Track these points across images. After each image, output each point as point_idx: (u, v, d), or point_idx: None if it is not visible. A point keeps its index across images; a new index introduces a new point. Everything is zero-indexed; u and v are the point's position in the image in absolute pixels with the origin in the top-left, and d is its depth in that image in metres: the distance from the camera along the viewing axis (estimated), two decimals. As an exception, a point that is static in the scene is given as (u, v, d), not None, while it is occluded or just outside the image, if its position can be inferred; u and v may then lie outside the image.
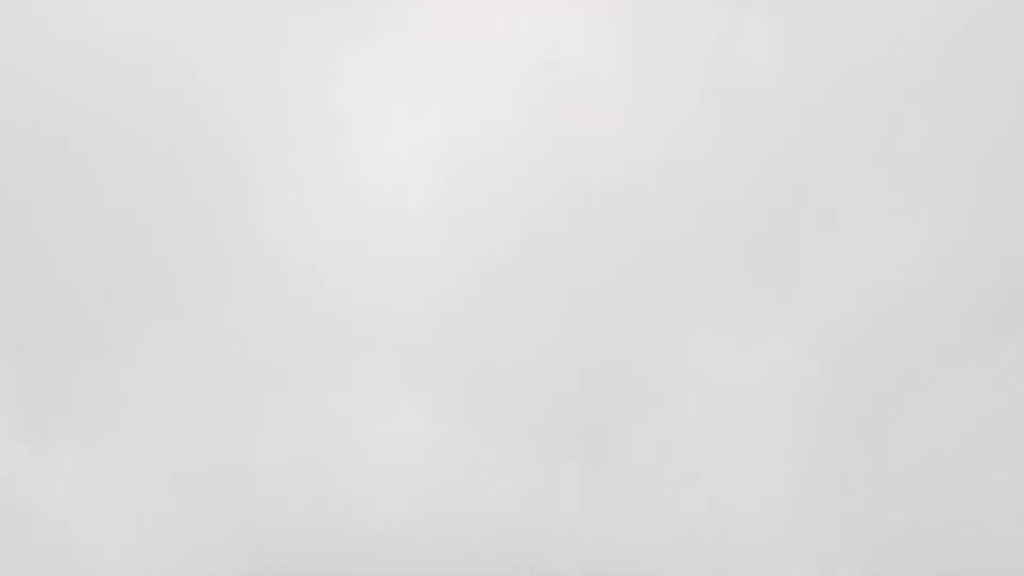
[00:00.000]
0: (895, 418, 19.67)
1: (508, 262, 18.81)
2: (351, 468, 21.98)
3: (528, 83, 18.27)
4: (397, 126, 19.02)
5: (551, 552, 20.75)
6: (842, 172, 18.54)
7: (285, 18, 19.85)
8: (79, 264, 19.36)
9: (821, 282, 19.76)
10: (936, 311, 19.56)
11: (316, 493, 22.20)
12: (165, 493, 22.79)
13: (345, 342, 20.36)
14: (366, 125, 18.93)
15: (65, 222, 19.35)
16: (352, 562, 21.55)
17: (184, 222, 18.84)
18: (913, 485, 19.35)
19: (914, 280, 19.53)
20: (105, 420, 21.93)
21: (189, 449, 22.20)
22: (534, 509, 20.78)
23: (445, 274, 19.04)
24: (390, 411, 21.49)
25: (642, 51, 19.14)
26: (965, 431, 19.36)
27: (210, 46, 19.08)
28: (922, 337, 19.61)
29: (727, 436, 20.45)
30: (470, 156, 18.59)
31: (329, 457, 22.00)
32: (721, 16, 19.58)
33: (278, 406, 21.52)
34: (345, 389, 21.22)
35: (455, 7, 20.06)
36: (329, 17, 20.03)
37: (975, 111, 18.12)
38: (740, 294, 19.65)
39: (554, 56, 19.58)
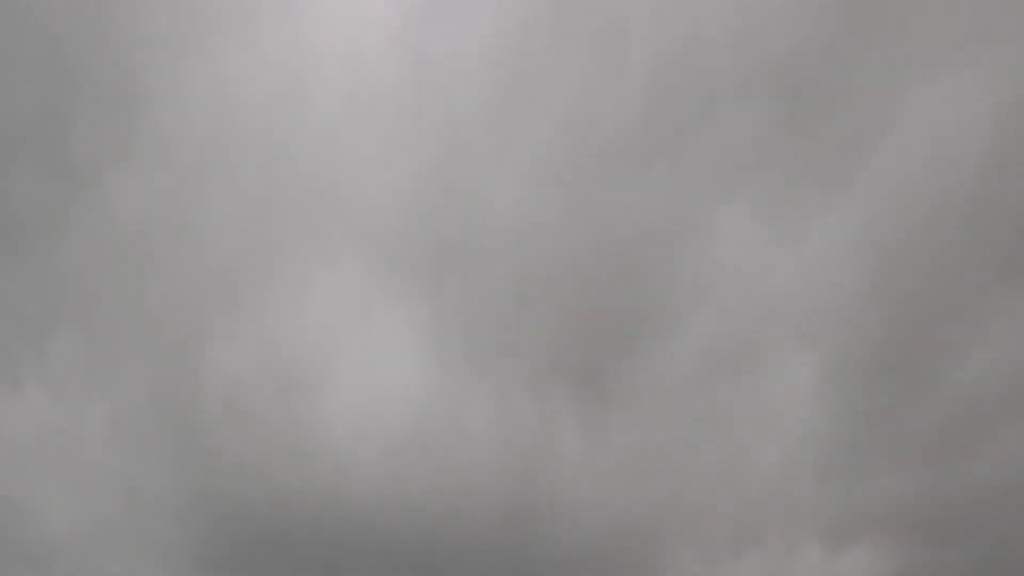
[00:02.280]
0: (938, 355, 16.62)
1: (492, 116, 14.72)
2: (314, 405, 18.47)
3: None
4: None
5: (546, 504, 17.16)
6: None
7: None
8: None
9: (878, 156, 15.71)
10: (999, 214, 15.72)
11: (275, 434, 18.77)
12: (99, 440, 19.56)
13: (299, 243, 16.71)
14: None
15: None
16: (322, 514, 18.11)
17: (99, 82, 15.01)
18: (950, 441, 16.64)
19: (981, 161, 15.53)
20: (25, 354, 18.70)
21: (123, 387, 18.85)
22: (525, 450, 17.20)
23: (414, 133, 15.04)
24: (356, 331, 17.85)
25: None
26: (1014, 380, 16.20)
27: None
28: (979, 248, 16.00)
29: (748, 373, 17.24)
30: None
31: (288, 391, 18.48)
32: None
33: (224, 331, 17.99)
34: (301, 305, 17.62)
35: None
36: None
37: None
38: (779, 168, 15.59)
39: None
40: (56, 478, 19.62)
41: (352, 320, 17.55)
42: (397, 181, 15.67)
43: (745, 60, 14.63)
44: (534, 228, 15.71)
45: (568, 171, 15.41)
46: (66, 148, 15.07)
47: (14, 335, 18.71)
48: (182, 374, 18.48)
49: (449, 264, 16.47)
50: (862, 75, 14.77)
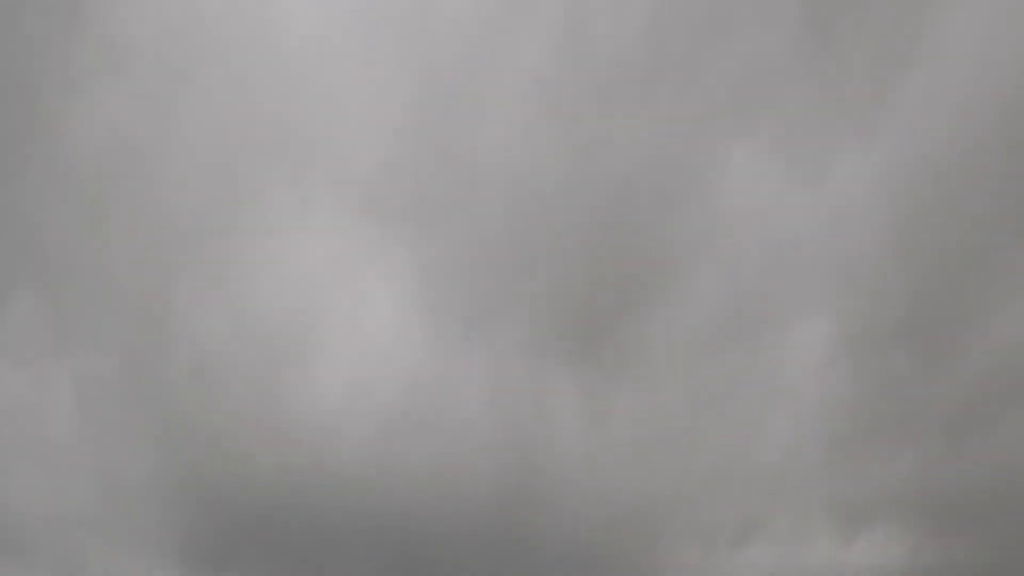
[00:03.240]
0: (964, 318, 15.28)
1: (481, 41, 13.11)
2: (294, 377, 17.06)
3: None
4: None
5: (542, 487, 15.83)
6: None
7: None
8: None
9: (907, 80, 14.25)
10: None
11: (253, 411, 17.39)
12: (66, 417, 18.18)
13: (274, 192, 15.14)
14: None
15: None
16: (305, 499, 16.63)
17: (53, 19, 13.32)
18: (971, 419, 15.34)
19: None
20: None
21: (88, 356, 17.40)
22: (521, 427, 15.84)
23: (398, 61, 13.38)
24: (337, 293, 16.37)
25: None
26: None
27: None
28: (1017, 194, 14.45)
29: (757, 340, 15.90)
30: None
31: (264, 363, 17.04)
32: None
33: (192, 291, 16.45)
34: (278, 262, 16.11)
35: None
36: None
37: None
38: (798, 96, 14.12)
39: None
40: (23, 457, 18.26)
41: (333, 280, 16.09)
42: (380, 119, 14.16)
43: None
44: (528, 170, 14.22)
45: (564, 102, 13.89)
46: (9, 67, 13.31)
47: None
48: (150, 344, 17.00)
49: (438, 214, 15.01)
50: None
